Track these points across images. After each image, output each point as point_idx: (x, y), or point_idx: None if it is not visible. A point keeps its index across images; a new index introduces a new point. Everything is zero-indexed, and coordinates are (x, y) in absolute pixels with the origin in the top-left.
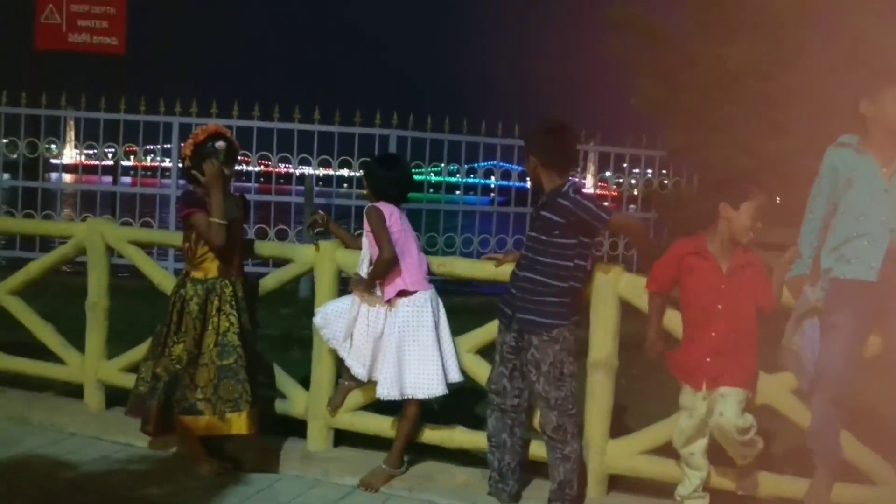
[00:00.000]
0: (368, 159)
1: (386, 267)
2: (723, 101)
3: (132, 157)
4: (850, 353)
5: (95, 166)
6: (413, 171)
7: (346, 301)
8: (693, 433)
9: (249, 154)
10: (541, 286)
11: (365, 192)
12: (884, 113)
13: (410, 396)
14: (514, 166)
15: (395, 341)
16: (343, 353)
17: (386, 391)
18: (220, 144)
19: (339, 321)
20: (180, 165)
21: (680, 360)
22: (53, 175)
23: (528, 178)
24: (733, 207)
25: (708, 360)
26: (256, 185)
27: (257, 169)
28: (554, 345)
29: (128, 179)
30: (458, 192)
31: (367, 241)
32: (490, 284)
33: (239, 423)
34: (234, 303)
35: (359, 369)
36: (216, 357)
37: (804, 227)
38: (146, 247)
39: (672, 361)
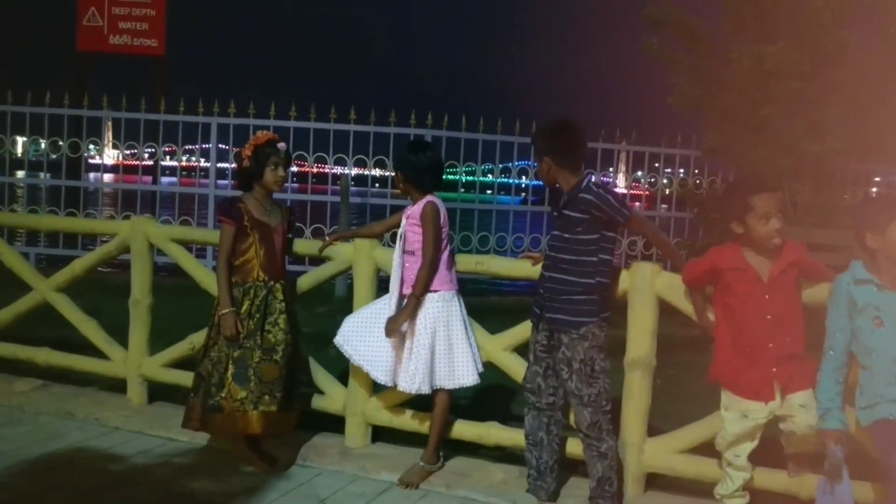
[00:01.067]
0: (399, 153)
1: (432, 269)
2: (761, 100)
3: (169, 158)
4: None
5: (135, 166)
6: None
7: (364, 313)
8: (743, 436)
9: None
10: (566, 284)
11: (401, 185)
12: (891, 245)
13: (440, 388)
14: None
15: (427, 336)
16: (367, 368)
17: (428, 386)
18: (281, 145)
19: (357, 335)
20: (235, 167)
21: (738, 378)
22: (92, 175)
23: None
24: (741, 223)
25: (774, 369)
26: (293, 184)
27: (294, 169)
28: (583, 342)
29: (169, 179)
30: (489, 192)
31: (403, 230)
32: (525, 283)
33: (244, 423)
34: (263, 306)
35: (383, 378)
36: (235, 358)
37: (826, 364)
38: (187, 245)
39: (725, 380)
